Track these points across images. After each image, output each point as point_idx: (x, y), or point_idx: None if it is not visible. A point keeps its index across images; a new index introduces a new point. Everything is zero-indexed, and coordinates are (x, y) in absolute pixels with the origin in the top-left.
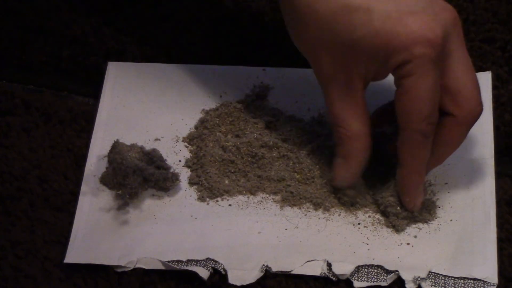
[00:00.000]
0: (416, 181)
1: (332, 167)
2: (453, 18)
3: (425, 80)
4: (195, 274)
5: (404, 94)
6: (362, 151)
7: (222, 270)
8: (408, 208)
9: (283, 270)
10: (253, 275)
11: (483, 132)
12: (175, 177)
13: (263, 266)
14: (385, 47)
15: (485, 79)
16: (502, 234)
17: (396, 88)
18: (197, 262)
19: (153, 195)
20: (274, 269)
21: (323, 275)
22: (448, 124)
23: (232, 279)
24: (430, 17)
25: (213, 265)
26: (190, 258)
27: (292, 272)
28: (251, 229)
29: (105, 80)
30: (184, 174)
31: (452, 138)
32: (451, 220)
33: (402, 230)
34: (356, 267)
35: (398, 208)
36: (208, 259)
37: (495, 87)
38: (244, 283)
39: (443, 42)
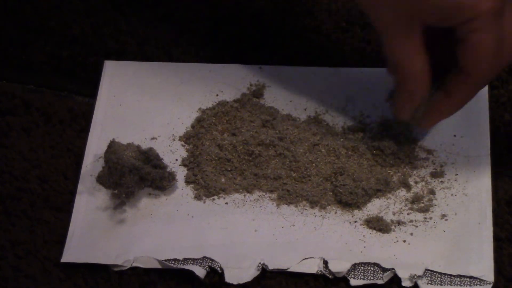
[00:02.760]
0: (449, 114)
1: (394, 102)
2: None
3: (492, 34)
4: (195, 274)
5: (473, 49)
6: (424, 86)
7: (218, 268)
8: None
9: (279, 268)
10: (250, 274)
11: (480, 130)
12: (171, 176)
13: (260, 264)
14: (455, 1)
15: None
16: (502, 234)
17: (457, 42)
18: (193, 260)
19: (150, 194)
20: (271, 267)
21: (320, 273)
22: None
23: (228, 278)
24: None
25: (209, 264)
26: (186, 257)
27: (289, 270)
28: (248, 227)
29: (101, 79)
30: (181, 173)
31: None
32: (447, 219)
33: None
34: (352, 265)
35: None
36: (204, 257)
37: (495, 87)
38: (241, 282)
39: None
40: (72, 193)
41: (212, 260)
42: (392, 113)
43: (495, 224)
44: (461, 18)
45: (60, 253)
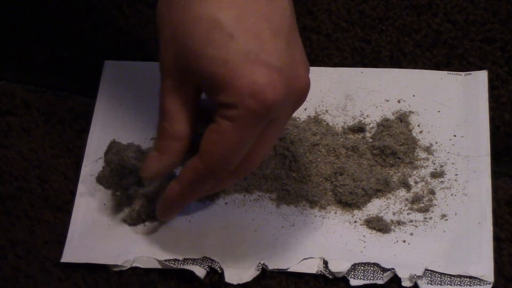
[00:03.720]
0: (181, 202)
1: (146, 157)
2: (302, 89)
3: (241, 132)
4: (195, 274)
5: (216, 133)
6: (177, 152)
7: (218, 268)
8: (157, 213)
9: (279, 268)
10: (250, 273)
11: (479, 131)
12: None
13: (259, 264)
14: (224, 80)
15: (481, 78)
16: (502, 234)
17: (213, 119)
18: (193, 261)
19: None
20: (271, 267)
21: (319, 273)
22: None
23: (228, 278)
24: (281, 79)
25: (209, 264)
26: (186, 257)
27: (289, 270)
28: (247, 227)
29: (101, 79)
30: None
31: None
32: (447, 219)
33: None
34: (352, 265)
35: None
36: (204, 257)
37: (495, 87)
38: (241, 282)
39: (278, 107)
40: (72, 193)
41: (212, 260)
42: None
43: (495, 224)
44: (223, 100)
45: (60, 253)
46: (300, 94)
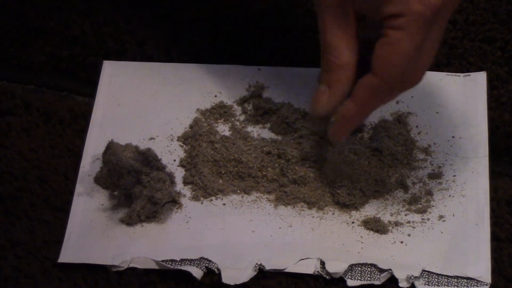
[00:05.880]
0: (357, 120)
1: (313, 94)
2: None
3: (413, 39)
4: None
5: (388, 45)
6: (347, 81)
7: (215, 269)
8: (330, 135)
9: (276, 268)
10: (247, 274)
11: (478, 131)
12: (171, 178)
13: (257, 265)
14: None
15: (480, 79)
16: (502, 234)
17: (380, 34)
18: (190, 261)
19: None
20: (268, 267)
21: (317, 273)
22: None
23: (225, 279)
24: None
25: (206, 265)
26: (183, 258)
27: (286, 270)
28: (245, 228)
29: (100, 79)
30: (179, 174)
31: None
32: (444, 220)
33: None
34: (349, 266)
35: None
36: (201, 258)
37: (495, 87)
38: (238, 282)
39: (441, 9)
40: (72, 193)
41: (209, 261)
42: (310, 109)
43: (495, 224)
44: (390, 10)
45: (60, 253)
46: None
